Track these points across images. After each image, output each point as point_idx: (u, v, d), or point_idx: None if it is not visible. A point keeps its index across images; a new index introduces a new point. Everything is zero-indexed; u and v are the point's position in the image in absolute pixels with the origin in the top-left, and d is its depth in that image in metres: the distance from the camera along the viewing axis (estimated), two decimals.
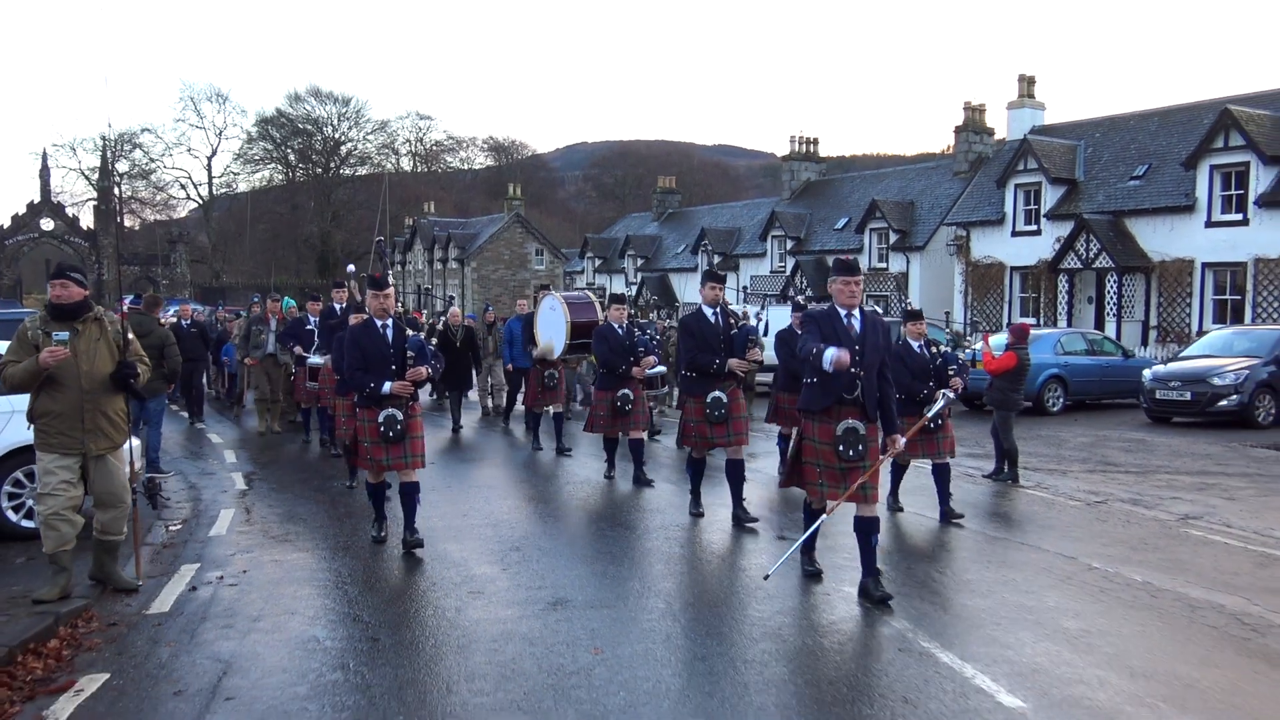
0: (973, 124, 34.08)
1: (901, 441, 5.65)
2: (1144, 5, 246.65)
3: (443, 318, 16.67)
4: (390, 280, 6.92)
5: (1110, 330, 25.66)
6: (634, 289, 43.22)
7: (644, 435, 9.57)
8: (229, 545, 7.00)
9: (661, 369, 11.37)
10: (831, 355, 5.20)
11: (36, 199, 59.26)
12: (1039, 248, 28.26)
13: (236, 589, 5.85)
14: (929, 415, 6.97)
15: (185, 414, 15.20)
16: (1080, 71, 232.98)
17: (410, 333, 6.76)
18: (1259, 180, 23.61)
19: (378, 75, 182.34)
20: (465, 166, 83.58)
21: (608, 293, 13.06)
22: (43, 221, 58.65)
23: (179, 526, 7.70)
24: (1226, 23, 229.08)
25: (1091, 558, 6.63)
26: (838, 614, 5.38)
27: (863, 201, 35.31)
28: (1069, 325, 25.74)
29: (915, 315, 8.49)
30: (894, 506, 8.18)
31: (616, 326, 9.27)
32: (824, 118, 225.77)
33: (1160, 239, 25.58)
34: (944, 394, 7.02)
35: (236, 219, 70.65)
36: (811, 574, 5.97)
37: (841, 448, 5.44)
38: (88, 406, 5.57)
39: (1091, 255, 26.00)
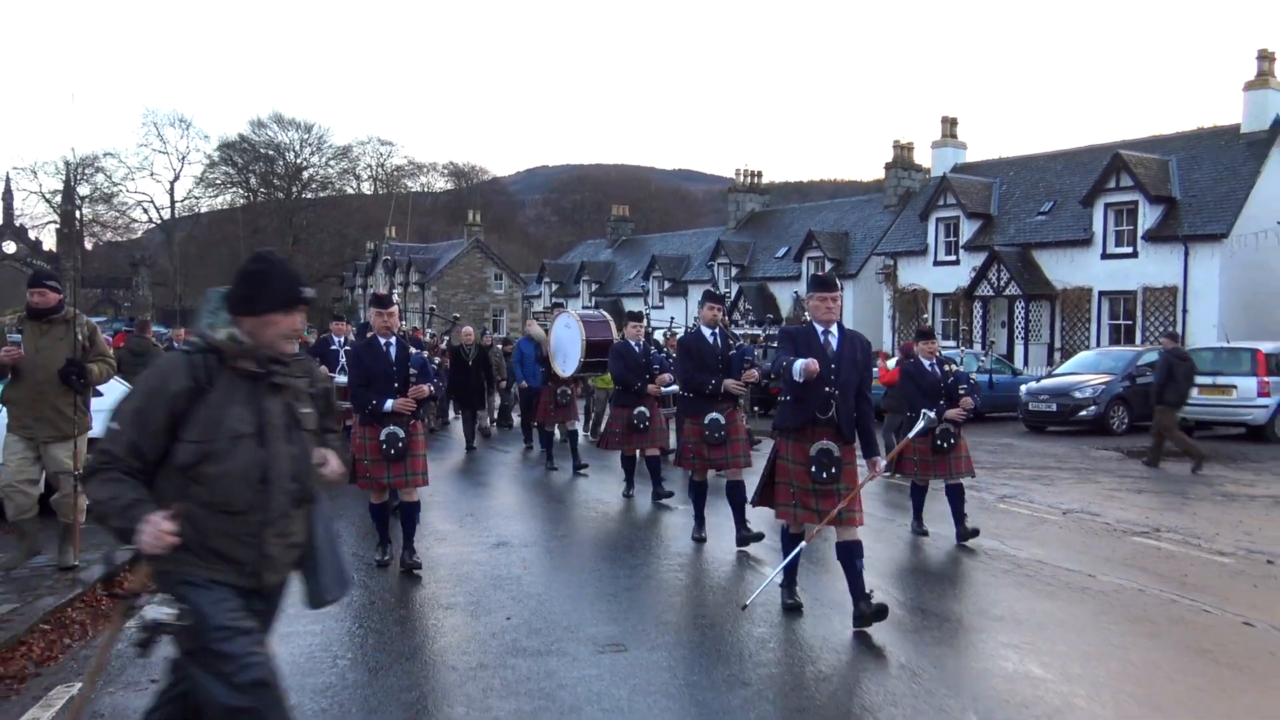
0: (901, 161, 36.71)
1: (882, 464, 5.46)
2: (1066, 53, 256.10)
3: (446, 337, 16.71)
4: (394, 299, 7.11)
5: (1019, 351, 28.26)
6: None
7: (658, 452, 9.56)
8: None
9: (675, 387, 11.30)
10: (800, 365, 5.14)
11: None
12: (958, 276, 30.75)
13: None
14: (910, 436, 6.54)
15: None
16: (1005, 108, 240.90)
17: (413, 351, 6.86)
18: (1146, 217, 26.30)
19: (340, 101, 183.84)
20: (425, 190, 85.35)
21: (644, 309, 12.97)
22: (5, 244, 59.46)
23: None
24: (1132, 72, 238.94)
25: (904, 519, 8.77)
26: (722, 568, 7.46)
27: (801, 232, 37.71)
28: (983, 348, 28.21)
29: (927, 334, 8.41)
30: (918, 530, 8.20)
31: (633, 344, 9.32)
32: (779, 144, 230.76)
33: (1063, 269, 28.17)
34: (925, 415, 6.40)
35: (198, 242, 71.54)
36: (791, 607, 5.66)
37: (814, 469, 5.27)
38: (37, 398, 6.05)
39: (1002, 284, 28.55)
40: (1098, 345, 27.10)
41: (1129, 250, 26.73)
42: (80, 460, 6.31)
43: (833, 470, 5.28)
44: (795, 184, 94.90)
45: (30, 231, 63.93)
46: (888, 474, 11.78)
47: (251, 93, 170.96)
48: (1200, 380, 15.87)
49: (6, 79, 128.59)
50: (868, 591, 5.35)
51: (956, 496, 7.94)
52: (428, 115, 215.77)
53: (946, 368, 8.10)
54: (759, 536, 7.32)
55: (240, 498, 2.73)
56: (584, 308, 44.68)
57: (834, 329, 5.44)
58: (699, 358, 7.40)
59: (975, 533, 7.84)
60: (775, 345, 6.04)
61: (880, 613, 5.26)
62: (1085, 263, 27.64)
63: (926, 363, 8.04)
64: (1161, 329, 26.03)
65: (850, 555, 5.37)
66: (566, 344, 11.57)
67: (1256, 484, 11.38)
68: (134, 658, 4.93)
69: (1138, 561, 7.22)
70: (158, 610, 2.70)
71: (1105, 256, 27.22)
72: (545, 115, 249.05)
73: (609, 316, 12.09)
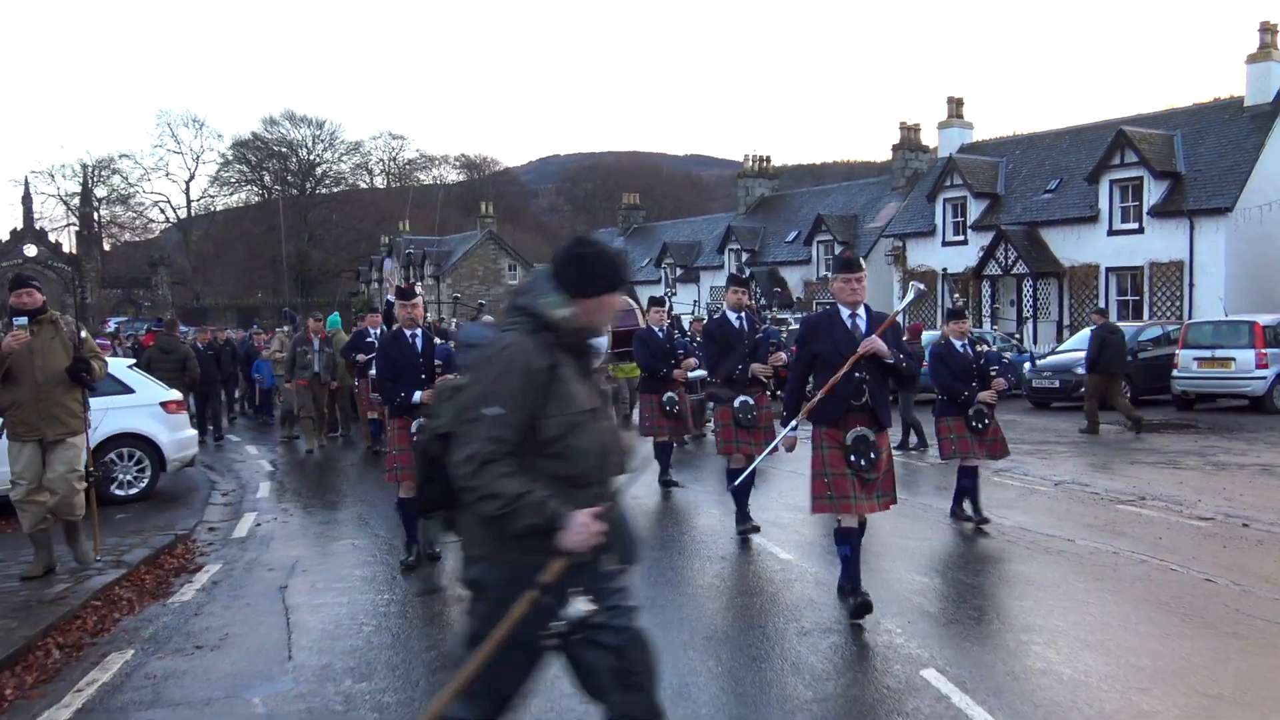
0: (908, 142, 36.90)
1: (874, 338, 5.04)
2: (1071, 28, 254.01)
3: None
4: (419, 291, 6.95)
5: (1028, 329, 28.51)
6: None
7: (671, 440, 9.44)
8: (272, 502, 9.48)
9: (702, 372, 10.23)
10: (787, 434, 5.32)
11: (19, 225, 60.93)
12: (966, 256, 30.96)
13: (288, 525, 8.34)
14: (900, 307, 6.37)
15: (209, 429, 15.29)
16: (1012, 85, 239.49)
17: (439, 342, 6.74)
18: (1151, 193, 26.46)
19: (351, 97, 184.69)
20: (438, 183, 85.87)
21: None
22: (25, 248, 60.17)
23: (231, 493, 10.17)
24: (1138, 45, 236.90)
25: (903, 493, 9.16)
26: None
27: (811, 215, 37.99)
28: (993, 326, 28.48)
29: (958, 314, 8.11)
30: (979, 519, 7.77)
31: (657, 330, 9.20)
32: (791, 127, 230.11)
33: (1069, 246, 28.35)
34: (915, 286, 5.93)
35: (215, 240, 72.39)
36: (861, 606, 5.19)
37: (853, 456, 5.10)
38: (43, 397, 6.17)
39: (1010, 262, 28.75)
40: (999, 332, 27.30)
41: (1135, 226, 26.88)
42: (90, 459, 6.53)
43: (870, 456, 5.11)
44: (809, 166, 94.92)
45: (50, 234, 64.83)
46: (921, 448, 12.07)
47: (263, 91, 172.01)
48: (1199, 354, 16.25)
49: (22, 83, 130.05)
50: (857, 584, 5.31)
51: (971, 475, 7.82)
52: (438, 108, 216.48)
53: (978, 348, 7.84)
54: (756, 528, 7.21)
55: (591, 470, 2.82)
56: None
57: (861, 311, 5.23)
58: (724, 342, 7.26)
59: (970, 518, 7.71)
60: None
61: (860, 609, 5.18)
62: (1092, 240, 27.82)
63: (958, 343, 7.75)
64: (1169, 304, 26.28)
65: (843, 540, 5.30)
66: None
67: (1248, 453, 11.70)
68: (178, 628, 5.42)
69: (1117, 527, 7.60)
70: (579, 606, 2.73)
71: (1111, 233, 27.37)
72: (557, 104, 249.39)
73: (634, 305, 11.88)
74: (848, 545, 5.28)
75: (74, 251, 60.32)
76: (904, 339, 5.70)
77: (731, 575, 6.41)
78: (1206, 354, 16.12)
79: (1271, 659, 4.63)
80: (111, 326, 33.38)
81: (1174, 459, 11.39)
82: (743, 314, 7.35)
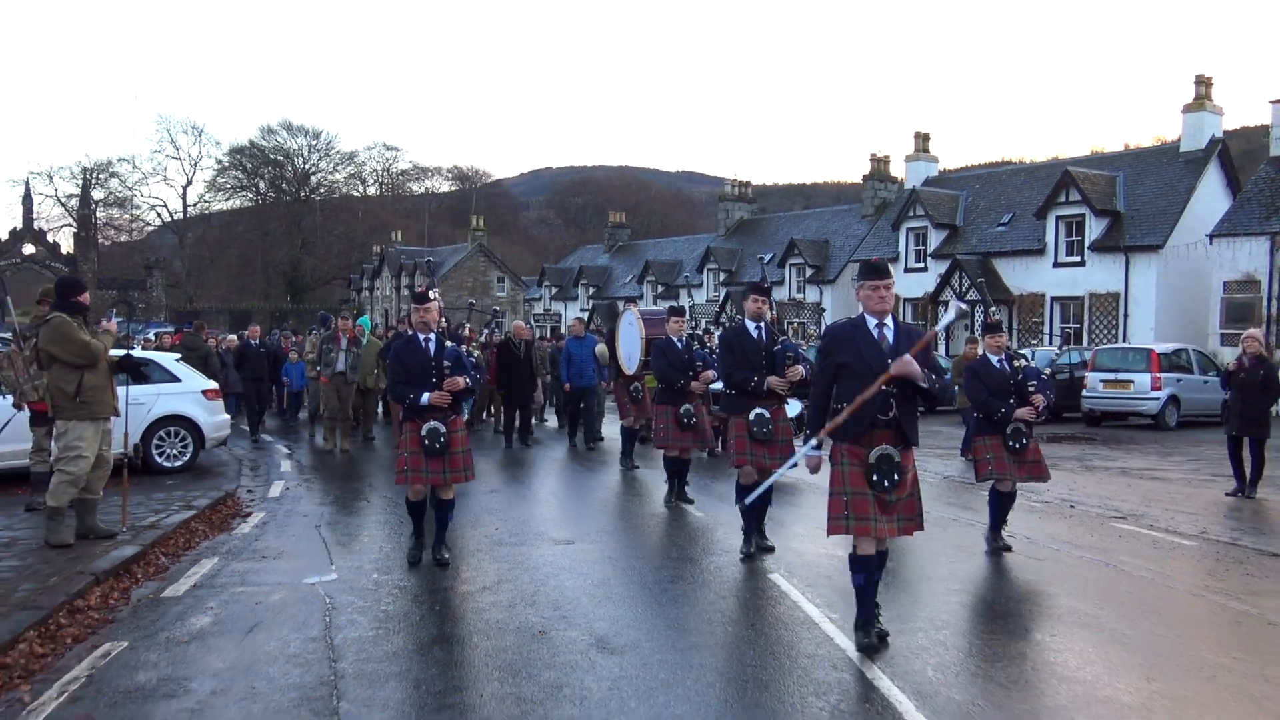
0: (878, 173, 39.19)
1: (908, 359, 4.70)
2: (1039, 68, 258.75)
3: (486, 331, 17.75)
4: (432, 295, 6.92)
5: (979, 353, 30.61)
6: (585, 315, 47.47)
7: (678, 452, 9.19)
8: (295, 474, 11.46)
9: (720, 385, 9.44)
10: (808, 453, 5.00)
11: (19, 225, 62.40)
12: (925, 282, 33.14)
13: (312, 491, 10.31)
14: (938, 327, 5.55)
15: (246, 427, 16.09)
16: (985, 116, 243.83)
17: (449, 344, 6.75)
18: (1092, 229, 28.75)
19: (347, 108, 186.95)
20: (430, 194, 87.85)
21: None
22: (24, 247, 61.67)
23: (259, 468, 12.13)
24: (1099, 88, 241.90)
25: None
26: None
27: (785, 239, 40.15)
28: (946, 351, 30.62)
29: (994, 328, 7.65)
30: (998, 545, 7.42)
31: (676, 340, 9.15)
32: (783, 147, 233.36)
33: (1019, 276, 30.62)
34: (957, 306, 5.22)
35: (209, 244, 73.90)
36: (866, 647, 4.97)
37: (875, 476, 4.80)
38: (109, 381, 7.18)
39: (964, 289, 30.94)
40: (1050, 346, 29.56)
41: (1077, 259, 29.15)
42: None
43: (894, 477, 4.82)
44: (798, 186, 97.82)
45: (48, 234, 66.29)
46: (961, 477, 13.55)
47: (262, 101, 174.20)
48: (1105, 376, 18.43)
49: (24, 86, 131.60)
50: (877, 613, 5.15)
51: (1004, 501, 7.51)
52: (432, 119, 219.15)
53: (1015, 363, 7.54)
54: (769, 548, 7.19)
55: None
56: (592, 302, 46.91)
57: (889, 321, 4.93)
58: (741, 353, 7.01)
59: (1008, 548, 7.43)
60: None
61: (882, 638, 5.07)
62: (1039, 270, 30.09)
63: (994, 359, 7.47)
64: (1106, 332, 28.51)
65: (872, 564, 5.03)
66: (629, 341, 11.83)
67: (1119, 460, 13.78)
68: (245, 548, 7.40)
69: (967, 504, 9.65)
70: None
71: (1056, 265, 29.64)
72: (548, 118, 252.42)
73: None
74: (862, 574, 5.00)
75: (71, 252, 61.88)
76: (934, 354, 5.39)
77: (654, 522, 8.36)
78: (1111, 376, 18.29)
79: (1020, 575, 6.67)
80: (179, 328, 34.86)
81: (1055, 462, 13.37)
82: (762, 325, 7.06)
